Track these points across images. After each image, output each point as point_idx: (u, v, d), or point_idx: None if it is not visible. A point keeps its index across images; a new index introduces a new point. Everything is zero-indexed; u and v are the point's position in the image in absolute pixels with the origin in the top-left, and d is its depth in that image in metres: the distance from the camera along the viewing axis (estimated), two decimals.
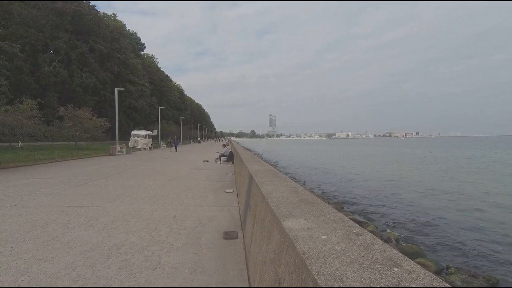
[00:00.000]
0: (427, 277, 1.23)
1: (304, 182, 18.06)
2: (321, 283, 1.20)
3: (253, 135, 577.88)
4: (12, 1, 35.74)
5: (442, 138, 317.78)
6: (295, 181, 11.61)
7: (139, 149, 34.55)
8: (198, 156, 24.04)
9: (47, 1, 40.69)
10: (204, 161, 18.55)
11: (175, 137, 38.11)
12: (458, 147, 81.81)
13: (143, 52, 78.30)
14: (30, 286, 3.06)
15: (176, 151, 31.20)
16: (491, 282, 5.54)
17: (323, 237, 1.74)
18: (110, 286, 3.07)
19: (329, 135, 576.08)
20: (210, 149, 35.16)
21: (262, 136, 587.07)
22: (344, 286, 1.17)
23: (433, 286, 1.17)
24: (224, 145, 22.40)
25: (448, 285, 1.19)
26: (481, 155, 46.55)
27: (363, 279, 1.22)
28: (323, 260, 1.41)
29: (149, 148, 36.21)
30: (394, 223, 9.46)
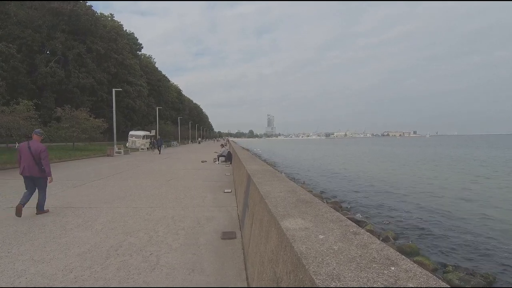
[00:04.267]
0: (424, 276, 1.24)
1: (304, 182, 18.09)
2: (318, 282, 1.21)
3: (251, 135, 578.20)
4: (9, 1, 35.52)
5: (437, 137, 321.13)
6: (294, 181, 11.64)
7: (137, 149, 34.47)
8: (196, 156, 24.01)
9: (44, 1, 40.46)
10: (202, 161, 18.54)
11: (158, 137, 33.51)
12: (438, 145, 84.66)
13: (140, 52, 78.14)
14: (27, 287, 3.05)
15: (159, 153, 27.57)
16: (489, 280, 5.57)
17: (321, 236, 1.75)
18: (108, 287, 3.06)
19: (327, 135, 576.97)
20: (208, 150, 35.12)
21: (260, 136, 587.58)
22: (341, 286, 1.18)
23: (430, 285, 1.17)
24: (222, 145, 22.39)
25: (445, 284, 1.20)
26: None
27: (360, 278, 1.23)
28: (320, 259, 1.41)
29: (147, 148, 36.12)
30: (390, 222, 9.49)
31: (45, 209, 6.03)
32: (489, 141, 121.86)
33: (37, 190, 5.97)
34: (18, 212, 5.48)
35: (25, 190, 5.90)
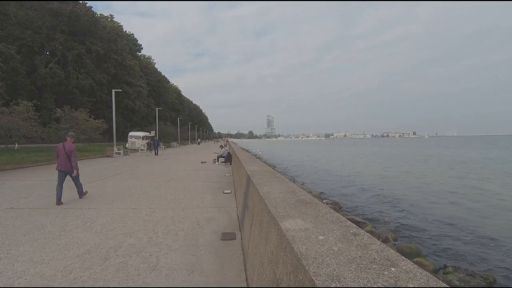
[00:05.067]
0: (424, 277, 1.24)
1: (303, 182, 18.09)
2: (318, 283, 1.21)
3: (251, 136, 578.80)
4: (8, 2, 35.54)
5: (435, 138, 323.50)
6: (293, 182, 11.63)
7: (136, 150, 34.45)
8: (195, 157, 24.01)
9: (43, 2, 40.49)
10: (202, 162, 18.54)
11: (155, 138, 32.43)
12: (435, 146, 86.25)
13: (140, 53, 78.21)
14: None
15: (156, 154, 26.64)
16: (489, 281, 5.57)
17: (321, 237, 1.74)
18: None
19: (327, 136, 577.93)
20: (208, 150, 35.11)
21: (260, 137, 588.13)
22: (341, 286, 1.18)
23: (430, 285, 1.17)
24: (221, 146, 22.39)
25: (445, 284, 1.20)
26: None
27: (360, 279, 1.23)
28: (320, 260, 1.41)
29: (146, 149, 36.08)
30: (390, 222, 9.49)
31: (84, 191, 7.59)
32: (486, 142, 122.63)
33: (71, 183, 7.44)
34: (56, 201, 6.89)
35: (57, 184, 7.04)
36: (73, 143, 7.32)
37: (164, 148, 43.62)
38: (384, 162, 35.46)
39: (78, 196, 7.41)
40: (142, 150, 34.92)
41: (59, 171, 7.10)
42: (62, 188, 7.00)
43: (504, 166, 28.15)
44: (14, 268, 3.47)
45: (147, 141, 34.98)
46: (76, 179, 7.36)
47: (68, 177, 7.23)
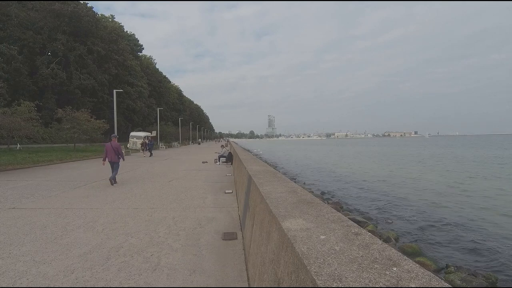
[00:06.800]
0: (426, 276, 1.23)
1: (304, 182, 18.07)
2: (320, 283, 1.20)
3: (252, 135, 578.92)
4: (9, 2, 35.63)
5: (436, 138, 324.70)
6: (294, 182, 11.61)
7: (137, 150, 34.46)
8: (197, 157, 24.03)
9: (44, 2, 40.55)
10: (203, 162, 18.56)
11: (149, 137, 31.48)
12: (433, 145, 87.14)
13: (141, 54, 78.26)
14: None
15: (150, 155, 25.46)
16: (491, 280, 5.55)
17: (322, 237, 1.74)
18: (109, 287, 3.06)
19: (328, 135, 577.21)
20: (209, 150, 35.11)
21: (261, 137, 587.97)
22: (342, 286, 1.17)
23: (432, 285, 1.17)
24: (222, 146, 22.40)
25: (447, 284, 1.19)
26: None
27: (362, 279, 1.22)
28: (322, 260, 1.41)
29: (141, 149, 35.95)
30: (391, 222, 9.47)
31: (117, 180, 9.95)
32: (485, 141, 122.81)
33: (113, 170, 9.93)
34: (111, 183, 9.62)
35: (112, 171, 9.89)
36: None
37: (166, 148, 43.65)
38: (383, 161, 35.39)
39: (113, 180, 9.69)
40: (143, 149, 34.91)
41: (110, 162, 9.85)
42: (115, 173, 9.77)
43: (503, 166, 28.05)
44: (16, 268, 3.48)
45: (142, 140, 32.65)
46: (117, 168, 9.96)
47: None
